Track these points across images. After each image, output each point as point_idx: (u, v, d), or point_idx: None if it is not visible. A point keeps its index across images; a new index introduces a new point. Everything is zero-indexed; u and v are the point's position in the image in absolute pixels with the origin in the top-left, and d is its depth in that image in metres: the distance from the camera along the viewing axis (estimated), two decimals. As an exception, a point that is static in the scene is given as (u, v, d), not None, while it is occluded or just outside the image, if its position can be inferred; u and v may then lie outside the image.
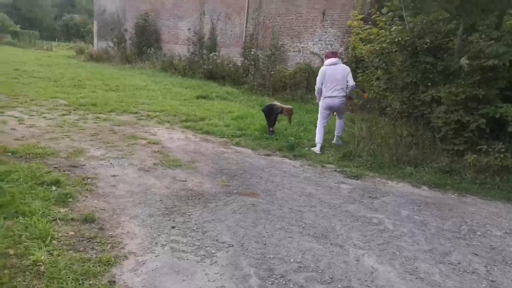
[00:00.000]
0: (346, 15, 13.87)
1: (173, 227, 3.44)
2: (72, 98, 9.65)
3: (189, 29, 20.10)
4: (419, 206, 4.56)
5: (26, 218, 3.16)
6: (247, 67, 16.82)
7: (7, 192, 3.53)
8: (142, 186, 4.41)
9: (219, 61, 17.16)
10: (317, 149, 6.68)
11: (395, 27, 7.18)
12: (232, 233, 3.43)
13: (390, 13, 7.52)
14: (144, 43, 21.62)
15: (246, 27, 17.74)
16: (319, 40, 15.20)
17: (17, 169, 4.20)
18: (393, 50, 7.31)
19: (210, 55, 18.00)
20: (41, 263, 2.59)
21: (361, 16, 8.32)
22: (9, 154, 4.91)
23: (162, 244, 3.12)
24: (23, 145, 5.35)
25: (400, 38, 6.97)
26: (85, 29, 43.72)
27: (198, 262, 2.91)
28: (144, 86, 13.24)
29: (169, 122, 8.18)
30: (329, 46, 14.74)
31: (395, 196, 4.83)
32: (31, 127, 6.56)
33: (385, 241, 3.54)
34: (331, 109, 6.89)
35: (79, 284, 2.46)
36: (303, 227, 3.68)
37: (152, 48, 21.00)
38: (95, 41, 28.05)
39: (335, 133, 7.30)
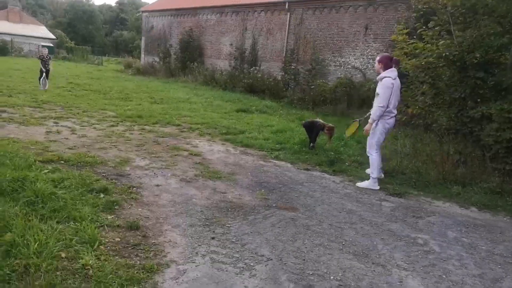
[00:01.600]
0: (389, 29, 13.67)
1: (213, 238, 3.49)
2: (120, 110, 10.13)
3: (231, 44, 20.60)
4: (468, 228, 4.33)
5: (76, 223, 3.34)
6: (287, 81, 16.93)
7: (61, 198, 3.74)
8: (183, 196, 4.52)
9: (260, 75, 17.40)
10: (375, 184, 5.54)
11: (442, 42, 6.97)
12: (271, 246, 3.43)
13: (437, 27, 7.32)
14: (187, 58, 22.39)
15: (287, 42, 17.91)
16: (361, 54, 15.03)
17: (69, 177, 4.45)
18: (440, 64, 7.10)
19: (251, 69, 18.31)
20: (89, 267, 2.71)
21: (406, 31, 8.15)
22: (63, 162, 5.23)
23: (202, 255, 3.17)
24: (75, 153, 5.67)
25: (448, 53, 6.75)
26: (133, 45, 46.03)
27: (237, 274, 2.93)
28: (186, 99, 13.67)
29: (210, 134, 8.37)
30: (371, 61, 14.54)
31: (442, 217, 4.62)
32: (82, 137, 6.94)
33: (431, 263, 3.39)
34: (389, 131, 5.81)
35: (124, 289, 2.55)
36: (344, 244, 3.60)
37: (195, 63, 21.69)
38: (142, 56, 29.42)
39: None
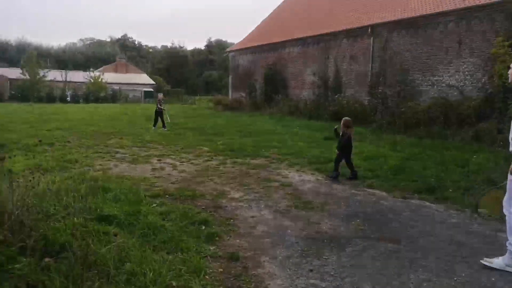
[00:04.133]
0: (487, 42, 12.57)
1: (311, 270, 3.46)
2: (213, 146, 10.79)
3: (314, 73, 20.83)
4: None
5: (183, 253, 3.60)
6: (374, 106, 16.42)
7: (168, 230, 4.09)
8: (278, 227, 4.59)
9: (345, 101, 17.18)
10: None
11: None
12: (373, 281, 3.27)
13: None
14: (272, 91, 23.16)
15: (371, 66, 17.54)
16: (456, 71, 14.01)
17: (174, 210, 4.84)
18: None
19: (335, 96, 18.19)
20: (198, 296, 2.89)
21: (508, 43, 7.44)
22: (167, 196, 5.72)
23: (302, 287, 3.16)
24: (177, 188, 6.16)
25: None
26: (221, 83, 49.13)
27: (340, 309, 2.85)
28: (273, 131, 14.03)
29: (298, 164, 8.42)
30: (468, 77, 13.46)
31: None
32: (182, 172, 7.52)
33: None
34: None
35: (230, 319, 2.65)
36: (455, 280, 3.28)
37: (279, 95, 22.31)
38: (230, 92, 31.22)
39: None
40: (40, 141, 10.06)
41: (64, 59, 59.51)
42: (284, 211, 5.23)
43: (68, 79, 40.33)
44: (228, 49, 34.42)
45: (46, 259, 3.05)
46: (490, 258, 3.61)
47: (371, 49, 17.52)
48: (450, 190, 6.16)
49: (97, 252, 3.20)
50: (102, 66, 53.10)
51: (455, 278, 3.32)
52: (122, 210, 4.39)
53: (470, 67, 13.49)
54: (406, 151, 9.59)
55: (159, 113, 14.95)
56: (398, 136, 12.39)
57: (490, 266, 3.51)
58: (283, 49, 23.85)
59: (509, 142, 3.55)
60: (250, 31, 32.07)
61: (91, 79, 39.38)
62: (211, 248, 3.86)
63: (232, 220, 4.78)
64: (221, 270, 3.42)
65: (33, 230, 3.33)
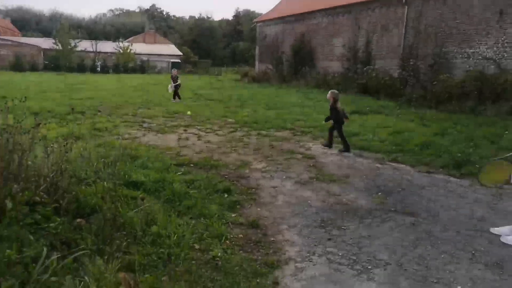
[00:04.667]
0: (531, 10, 11.79)
1: (329, 239, 3.55)
2: (238, 117, 10.87)
3: (343, 45, 20.26)
4: None
5: (206, 219, 3.76)
6: (405, 79, 15.89)
7: (193, 197, 4.26)
8: (299, 198, 4.67)
9: (374, 74, 16.70)
10: None
11: None
12: (390, 251, 3.33)
13: None
14: (299, 63, 22.76)
15: (404, 37, 16.85)
16: (495, 43, 13.27)
17: (198, 178, 5.01)
18: None
19: (365, 69, 17.70)
20: (218, 259, 3.04)
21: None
22: (192, 165, 5.90)
23: (319, 254, 3.26)
24: (202, 157, 6.32)
25: None
26: (248, 54, 48.59)
27: (355, 276, 2.94)
28: (299, 103, 13.93)
29: (323, 137, 8.39)
30: (508, 49, 12.74)
31: None
32: (207, 142, 7.68)
33: None
34: None
35: (249, 281, 2.80)
36: (474, 254, 3.29)
37: (306, 67, 21.92)
38: (256, 64, 30.93)
39: None
40: (72, 109, 10.46)
41: (95, 30, 60.44)
42: (305, 182, 5.30)
43: (98, 50, 41.03)
44: (255, 20, 33.83)
45: (78, 220, 3.28)
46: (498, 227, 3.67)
47: (405, 19, 16.77)
48: (477, 166, 6.01)
49: (125, 215, 3.40)
50: (131, 37, 53.58)
51: (472, 252, 3.33)
52: (149, 177, 4.59)
53: (510, 39, 12.74)
54: (435, 126, 9.34)
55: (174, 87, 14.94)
56: (429, 111, 12.04)
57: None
58: (312, 20, 23.22)
59: None
60: (278, 1, 31.31)
61: (120, 50, 39.89)
62: (233, 215, 4.00)
63: (254, 190, 4.90)
64: (241, 236, 3.56)
65: (66, 193, 3.55)
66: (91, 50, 40.34)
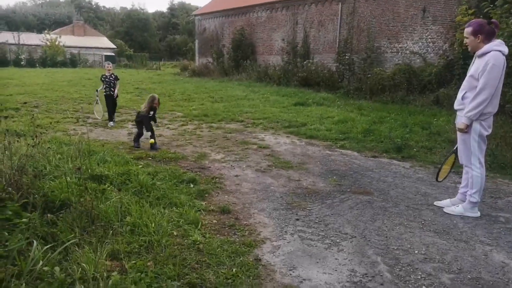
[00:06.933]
0: (450, 10, 13.15)
1: (297, 219, 3.81)
2: (186, 111, 10.83)
3: (282, 39, 20.84)
4: (552, 207, 4.25)
5: (178, 208, 3.82)
6: (342, 72, 16.85)
7: (160, 188, 4.27)
8: (262, 184, 4.89)
9: (313, 68, 17.46)
10: (475, 210, 3.98)
11: (512, 19, 6.71)
12: (353, 226, 3.67)
13: (506, 5, 7.04)
14: (240, 56, 22.98)
15: (339, 32, 17.80)
16: (420, 38, 14.58)
17: (161, 170, 5.01)
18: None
19: (304, 62, 18.41)
20: (199, 243, 3.15)
21: (471, 11, 7.89)
22: (150, 158, 5.84)
23: (291, 233, 3.50)
24: (158, 151, 6.28)
25: (519, 30, 6.50)
26: (186, 48, 47.76)
27: (326, 249, 3.22)
28: (244, 96, 14.15)
29: (273, 128, 8.71)
30: (431, 44, 14.08)
31: (522, 197, 4.56)
32: (159, 136, 7.59)
33: (515, 240, 3.44)
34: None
35: (232, 259, 2.94)
36: (423, 224, 3.75)
37: (247, 60, 22.21)
38: (196, 58, 30.58)
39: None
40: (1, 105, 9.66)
41: (14, 20, 55.29)
42: (265, 170, 5.53)
43: (21, 42, 37.75)
44: (193, 13, 33.37)
45: (48, 215, 3.18)
46: (440, 201, 4.34)
47: (339, 15, 17.73)
48: (415, 150, 6.70)
49: (98, 207, 3.36)
50: (57, 28, 49.90)
51: (422, 222, 3.79)
52: (113, 170, 4.50)
53: (432, 35, 14.09)
54: (373, 115, 10.11)
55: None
56: (365, 101, 12.95)
57: (450, 213, 4.04)
58: (251, 14, 23.53)
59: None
60: (216, -6, 31.14)
61: (47, 42, 37.06)
62: (203, 203, 4.10)
63: (218, 179, 5.02)
64: (216, 221, 3.69)
65: (31, 189, 3.41)
66: (13, 42, 37.00)
